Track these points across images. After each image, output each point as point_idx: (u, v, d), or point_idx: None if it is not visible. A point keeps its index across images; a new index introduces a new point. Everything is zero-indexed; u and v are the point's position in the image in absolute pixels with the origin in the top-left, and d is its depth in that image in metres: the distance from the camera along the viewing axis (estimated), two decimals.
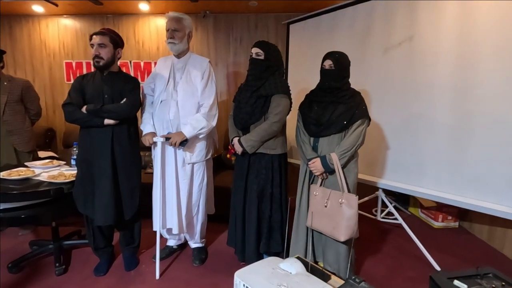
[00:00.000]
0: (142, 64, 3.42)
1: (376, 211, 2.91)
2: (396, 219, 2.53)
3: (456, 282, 1.26)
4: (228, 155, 1.91)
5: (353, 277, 1.00)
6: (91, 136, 1.75)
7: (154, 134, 1.89)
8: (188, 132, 1.82)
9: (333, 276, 1.35)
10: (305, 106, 1.77)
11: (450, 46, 1.95)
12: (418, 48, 2.11)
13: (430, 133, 2.07)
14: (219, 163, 3.02)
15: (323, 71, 1.67)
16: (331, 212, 1.60)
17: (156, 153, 1.94)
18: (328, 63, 1.63)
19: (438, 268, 2.01)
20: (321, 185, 1.71)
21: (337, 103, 1.63)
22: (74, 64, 3.46)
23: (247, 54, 3.35)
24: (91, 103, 1.73)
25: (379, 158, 2.36)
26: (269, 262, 1.29)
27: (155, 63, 3.37)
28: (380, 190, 2.49)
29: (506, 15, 1.70)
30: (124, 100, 1.76)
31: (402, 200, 3.11)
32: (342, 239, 1.57)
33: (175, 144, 1.81)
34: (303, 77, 3.00)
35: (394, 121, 2.24)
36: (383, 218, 2.71)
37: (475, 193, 1.90)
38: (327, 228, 1.62)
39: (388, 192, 2.68)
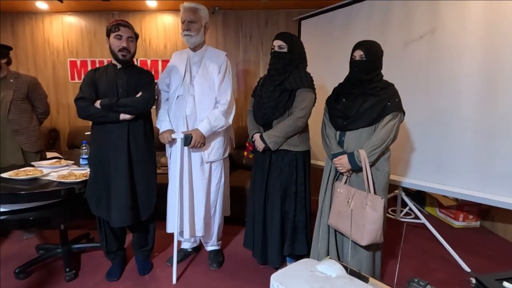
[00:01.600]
0: (149, 62, 3.33)
1: (393, 211, 2.83)
2: (415, 218, 2.46)
3: (506, 284, 1.17)
4: (245, 153, 1.82)
5: (416, 280, 0.91)
6: (105, 133, 1.65)
7: (172, 131, 1.80)
8: (205, 129, 1.74)
9: (371, 279, 1.26)
10: (331, 99, 1.68)
11: (476, 39, 1.88)
12: (441, 41, 2.04)
13: (455, 130, 1.99)
14: (232, 161, 2.93)
15: (353, 62, 1.57)
16: (354, 213, 1.48)
17: (173, 151, 1.85)
18: (359, 54, 1.52)
19: (468, 269, 1.92)
20: (345, 182, 1.61)
21: (367, 95, 1.51)
22: (78, 63, 3.36)
23: (257, 51, 3.27)
24: (104, 97, 1.63)
25: (401, 156, 2.28)
26: (304, 265, 1.20)
27: (163, 61, 3.32)
28: (400, 189, 2.41)
29: None
30: (140, 93, 1.67)
31: (419, 199, 3.03)
32: (363, 243, 1.45)
33: (196, 146, 1.72)
34: (315, 74, 2.89)
35: (417, 118, 2.15)
36: (402, 217, 2.63)
37: (503, 191, 1.82)
38: (348, 229, 1.49)
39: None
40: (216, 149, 1.85)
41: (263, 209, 1.78)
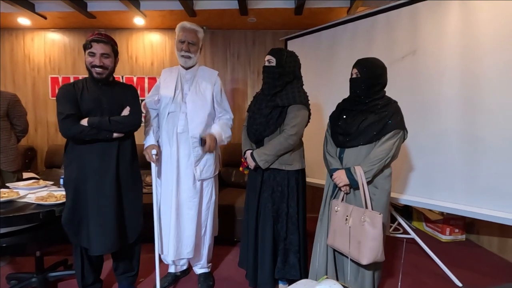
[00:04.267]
0: (135, 79, 3.28)
1: None
2: (404, 233, 2.47)
3: None
4: (241, 168, 1.78)
5: None
6: (90, 152, 1.54)
7: (155, 146, 1.73)
8: (217, 134, 1.75)
9: None
10: (334, 115, 1.67)
11: (455, 59, 1.99)
12: (422, 62, 2.15)
13: (440, 145, 2.06)
14: (220, 179, 2.86)
15: (350, 79, 1.59)
16: (352, 231, 1.46)
17: (161, 169, 1.79)
18: (354, 71, 1.55)
19: (459, 284, 1.93)
20: (342, 200, 1.59)
21: (368, 112, 1.52)
22: (60, 79, 3.26)
23: (244, 70, 3.31)
24: (88, 115, 1.54)
25: None
26: (304, 286, 1.15)
27: (149, 78, 3.28)
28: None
29: (509, 29, 1.76)
30: (128, 109, 1.60)
31: (406, 214, 3.07)
32: (364, 262, 1.41)
33: (209, 150, 1.73)
34: None
35: None
36: (391, 232, 2.64)
37: (487, 204, 1.88)
38: (349, 249, 1.46)
39: None
40: (207, 166, 1.81)
41: (255, 229, 1.72)
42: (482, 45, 1.87)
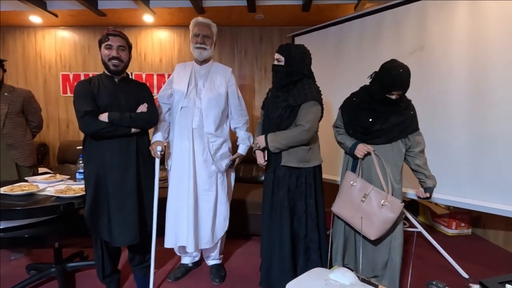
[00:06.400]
0: (144, 76, 3.34)
1: None
2: (410, 227, 2.51)
3: (509, 286, 1.22)
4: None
5: (435, 282, 0.93)
6: (109, 148, 1.58)
7: (161, 142, 1.75)
8: (244, 152, 1.96)
9: (380, 286, 1.28)
10: (350, 109, 1.68)
11: (462, 55, 2.01)
12: (430, 57, 2.16)
13: (447, 139, 2.09)
14: None
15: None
16: (368, 209, 1.51)
17: (173, 164, 1.83)
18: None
19: (466, 275, 1.97)
20: (359, 175, 1.61)
21: (390, 113, 1.55)
22: (71, 76, 3.32)
23: (252, 66, 3.35)
24: (105, 110, 1.58)
25: None
26: (316, 274, 1.20)
27: (158, 75, 3.33)
28: None
29: None
30: (145, 105, 1.65)
31: (412, 209, 3.10)
32: (372, 238, 1.51)
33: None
34: None
35: None
36: None
37: (493, 198, 1.91)
38: (359, 223, 1.52)
39: None
40: (223, 160, 1.85)
41: (268, 227, 1.71)
42: (490, 41, 1.88)
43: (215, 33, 1.84)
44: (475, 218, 2.69)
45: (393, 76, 1.45)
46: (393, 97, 1.50)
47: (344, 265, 1.68)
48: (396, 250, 1.61)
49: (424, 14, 2.17)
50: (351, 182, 1.59)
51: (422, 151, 1.63)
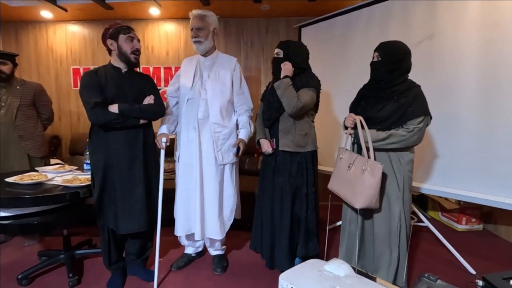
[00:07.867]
0: (151, 69, 3.37)
1: None
2: (418, 222, 2.45)
3: None
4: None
5: (427, 275, 0.91)
6: (116, 139, 1.61)
7: (166, 135, 1.79)
8: (246, 137, 1.87)
9: (378, 279, 1.26)
10: (354, 102, 1.68)
11: (473, 43, 1.93)
12: (440, 46, 2.09)
13: (456, 133, 2.02)
14: None
15: (371, 63, 1.57)
16: (353, 177, 1.49)
17: (181, 154, 1.85)
18: (376, 54, 1.53)
19: (473, 272, 1.91)
20: (347, 149, 1.63)
21: (386, 99, 1.49)
22: (81, 70, 3.39)
23: (258, 58, 3.32)
24: (113, 101, 1.58)
25: None
26: (312, 265, 1.20)
27: (165, 68, 3.36)
28: None
29: None
30: (152, 97, 1.67)
31: (421, 204, 3.03)
32: (358, 206, 1.45)
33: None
34: None
35: None
36: None
37: (505, 192, 1.83)
38: (347, 194, 1.52)
39: None
40: (229, 152, 1.85)
41: (271, 212, 1.78)
42: (501, 30, 1.79)
43: (211, 23, 1.81)
44: (486, 214, 2.60)
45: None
46: (374, 59, 1.53)
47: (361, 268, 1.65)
48: (400, 246, 1.57)
49: (434, 2, 2.09)
50: (340, 156, 1.60)
51: (412, 131, 1.47)
